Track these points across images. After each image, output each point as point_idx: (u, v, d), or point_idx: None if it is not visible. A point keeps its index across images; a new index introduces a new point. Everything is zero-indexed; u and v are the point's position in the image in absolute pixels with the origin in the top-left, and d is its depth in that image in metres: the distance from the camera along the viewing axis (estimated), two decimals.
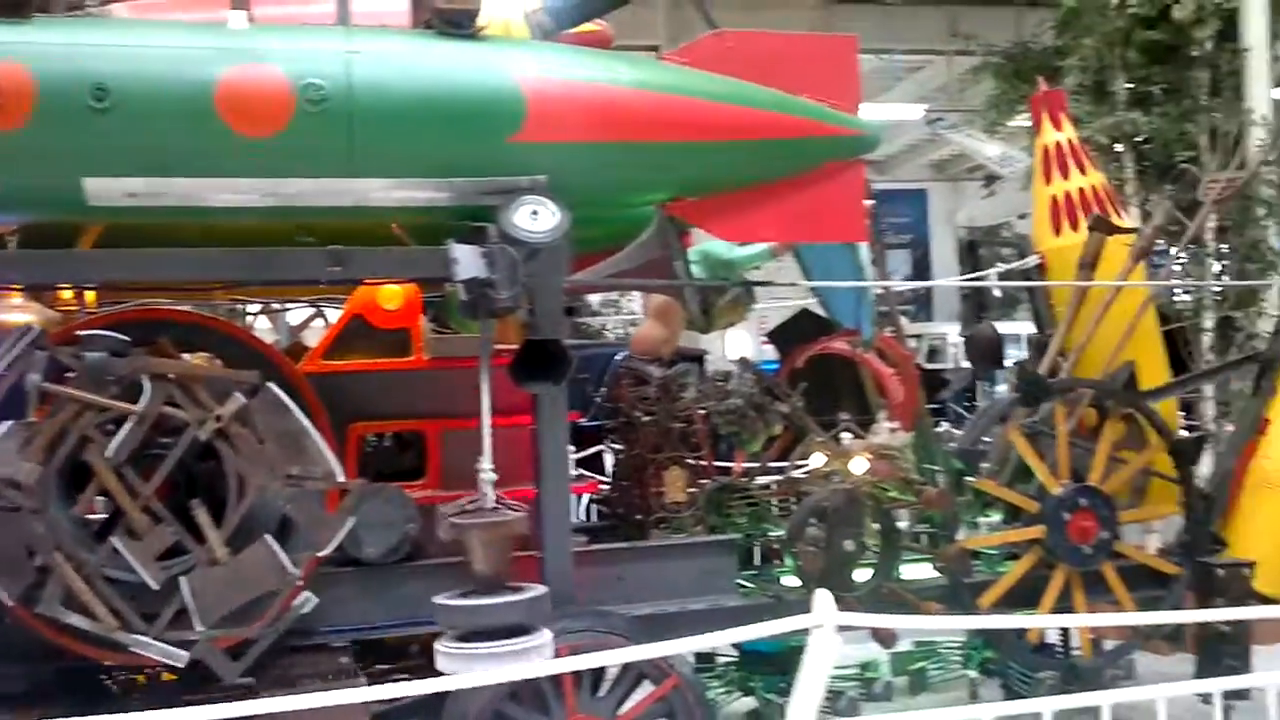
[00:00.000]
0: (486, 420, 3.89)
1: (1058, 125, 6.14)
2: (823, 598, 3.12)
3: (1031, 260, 6.23)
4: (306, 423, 3.92)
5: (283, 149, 3.78)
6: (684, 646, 3.88)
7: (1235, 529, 5.67)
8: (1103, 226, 5.67)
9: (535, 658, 3.72)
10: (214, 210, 3.98)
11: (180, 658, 3.72)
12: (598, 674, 4.28)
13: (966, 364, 14.17)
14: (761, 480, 5.90)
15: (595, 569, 4.68)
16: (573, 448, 7.61)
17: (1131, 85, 8.56)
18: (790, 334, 6.82)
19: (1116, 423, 5.23)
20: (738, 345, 12.05)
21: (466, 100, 3.98)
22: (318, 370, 4.61)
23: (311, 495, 3.96)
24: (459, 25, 4.07)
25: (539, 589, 3.95)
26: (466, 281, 3.58)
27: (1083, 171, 6.08)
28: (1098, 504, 5.10)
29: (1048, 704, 3.60)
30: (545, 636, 3.82)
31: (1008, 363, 8.80)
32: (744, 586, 5.16)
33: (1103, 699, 3.66)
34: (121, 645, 3.76)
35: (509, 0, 4.49)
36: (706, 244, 5.27)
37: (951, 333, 22.74)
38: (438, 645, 3.81)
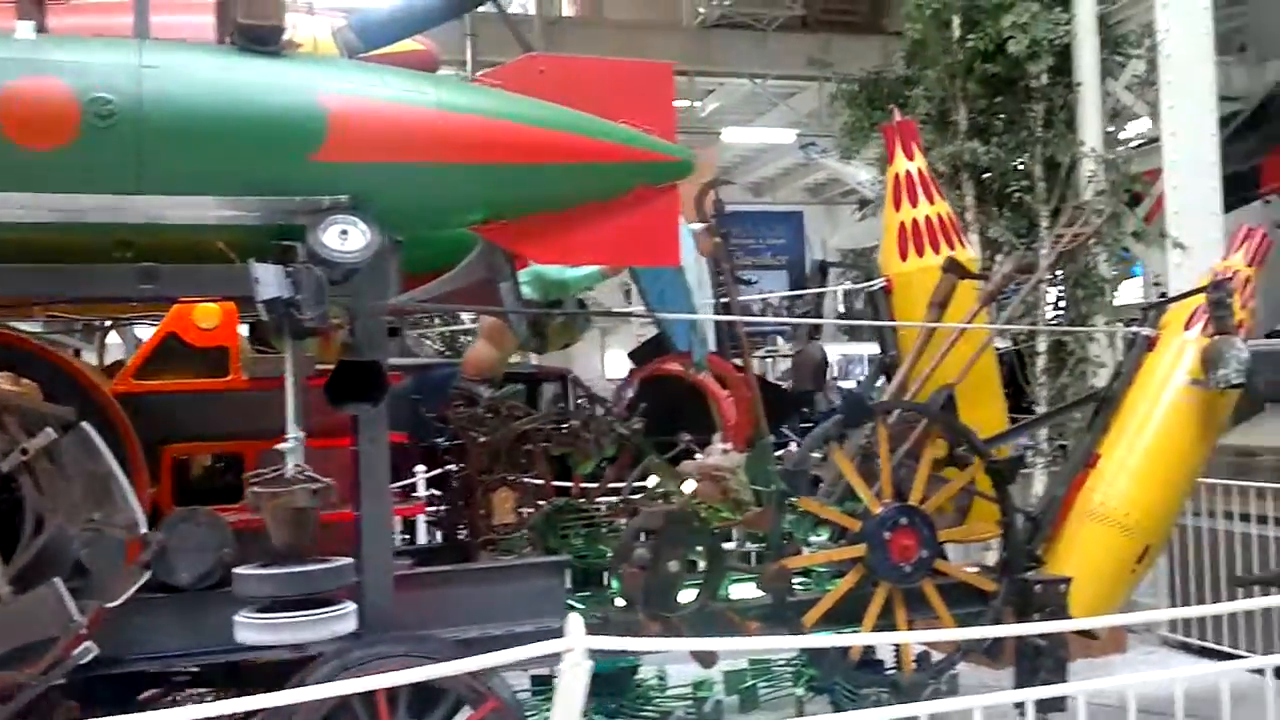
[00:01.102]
0: (292, 434, 3.85)
1: (909, 154, 6.44)
2: (574, 621, 3.15)
3: (878, 282, 6.47)
4: (116, 468, 3.85)
5: (67, 164, 3.71)
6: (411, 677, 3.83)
7: (1056, 554, 5.94)
8: (955, 270, 5.91)
9: (335, 628, 3.74)
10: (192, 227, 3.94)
11: None
12: (418, 700, 4.26)
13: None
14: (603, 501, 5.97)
15: (418, 592, 4.68)
16: (423, 467, 7.62)
17: (972, 116, 8.86)
18: (649, 353, 6.89)
19: (937, 443, 5.40)
20: (616, 364, 12.12)
21: (264, 118, 3.95)
22: (129, 390, 4.53)
23: (111, 543, 3.88)
24: (261, 41, 4.06)
25: (344, 560, 3.94)
26: (269, 302, 3.54)
27: (930, 200, 6.39)
28: (918, 523, 5.26)
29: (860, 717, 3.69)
30: (349, 608, 3.83)
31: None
32: (573, 608, 5.20)
33: (919, 709, 3.78)
34: None
35: (317, 17, 4.45)
36: (539, 265, 5.30)
37: (831, 353, 23.22)
38: (237, 617, 3.81)
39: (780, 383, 23.77)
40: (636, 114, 4.58)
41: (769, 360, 24.40)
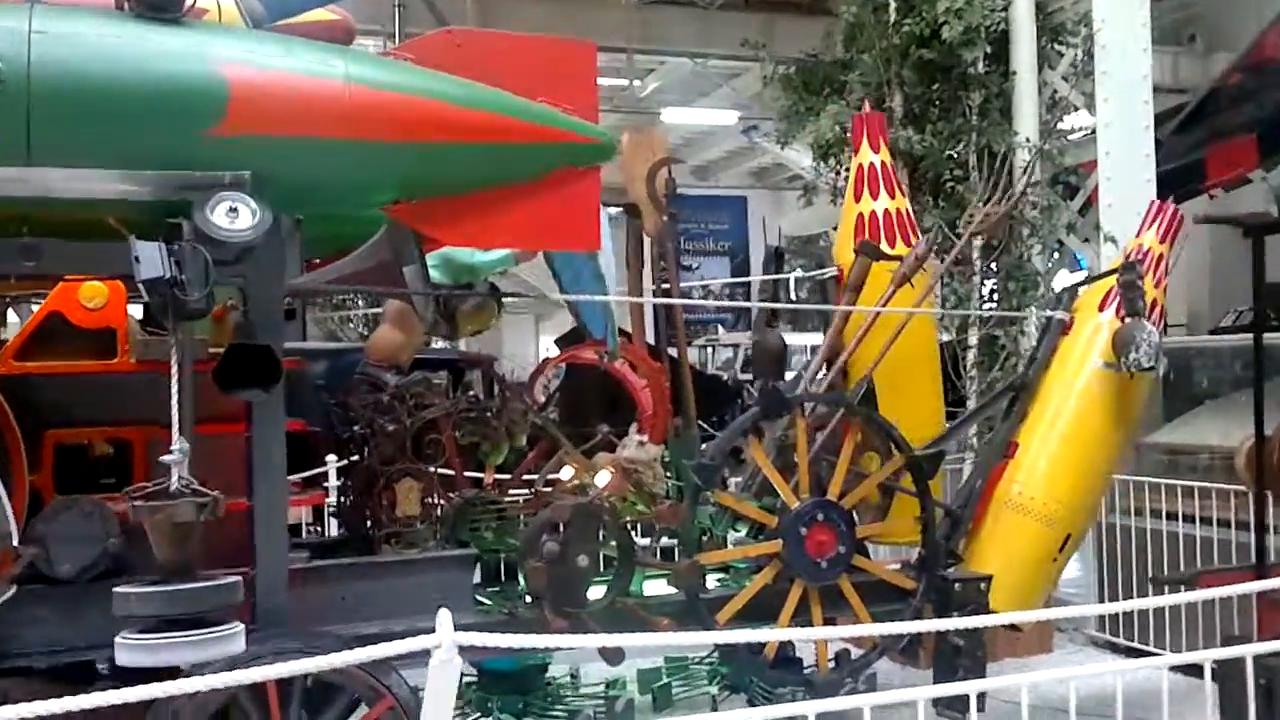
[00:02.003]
0: (178, 427, 3.83)
1: (875, 147, 6.51)
2: (443, 617, 3.18)
3: (830, 271, 6.60)
4: None
5: None
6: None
7: (975, 548, 6.06)
8: (869, 252, 5.98)
9: (221, 649, 3.72)
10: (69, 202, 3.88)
11: None
12: (314, 698, 4.26)
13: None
14: (516, 493, 5.98)
15: (316, 588, 4.69)
16: (334, 456, 7.58)
17: (908, 103, 8.97)
18: (576, 340, 6.90)
19: (856, 437, 5.48)
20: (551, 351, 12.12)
21: (161, 88, 3.91)
22: (9, 372, 4.46)
23: None
24: (160, 9, 4.01)
25: (231, 578, 3.92)
26: (150, 281, 3.51)
27: (891, 195, 6.48)
28: (835, 518, 5.33)
29: (748, 715, 3.74)
30: (237, 628, 3.82)
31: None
32: (482, 603, 5.23)
33: (807, 708, 3.82)
34: None
35: None
36: (448, 248, 5.31)
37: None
38: (118, 638, 3.77)
39: (720, 372, 23.96)
40: (558, 93, 4.59)
41: (708, 349, 24.52)
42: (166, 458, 3.89)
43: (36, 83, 3.71)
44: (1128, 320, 5.82)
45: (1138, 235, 6.46)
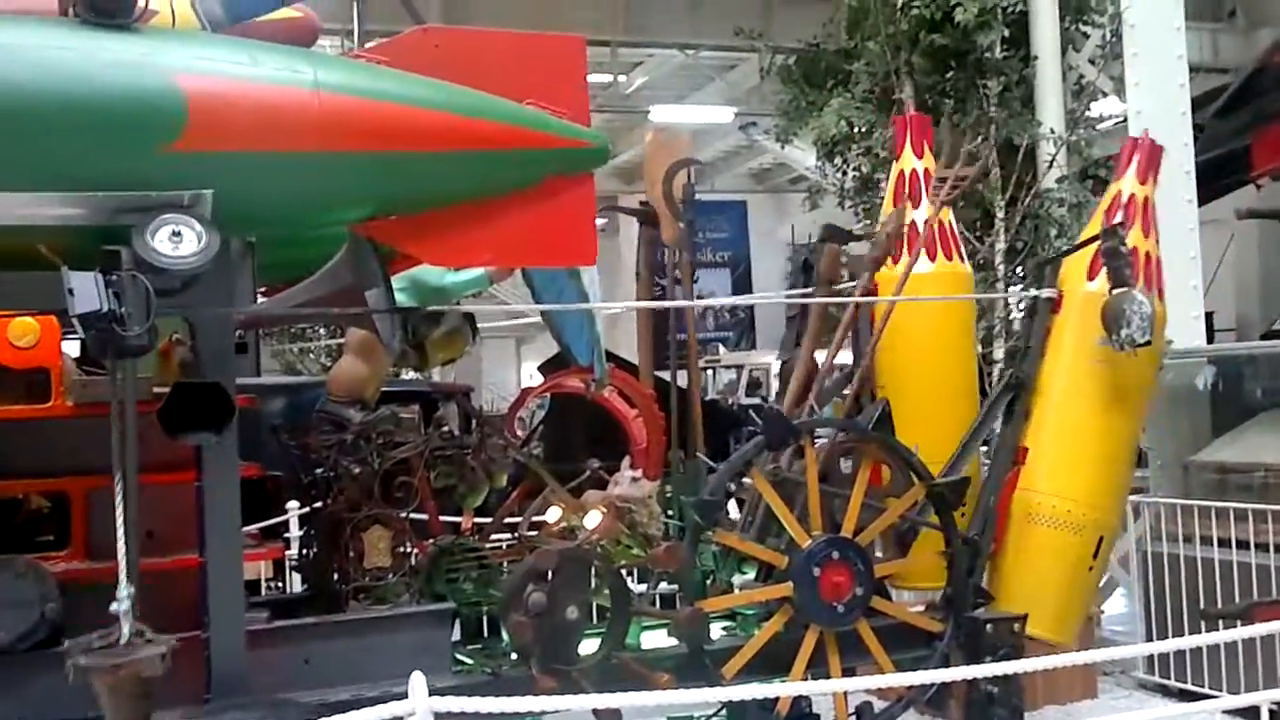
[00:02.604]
0: (122, 487, 3.84)
1: (919, 152, 6.46)
2: (416, 682, 3.19)
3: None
4: None
5: None
6: None
7: (1003, 572, 6.05)
8: (837, 237, 5.97)
9: None
10: None
11: None
12: None
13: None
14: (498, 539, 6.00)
15: (276, 650, 4.70)
16: (295, 503, 7.60)
17: (919, 94, 9.04)
18: (560, 367, 6.90)
19: (869, 466, 5.50)
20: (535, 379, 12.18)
21: (113, 102, 3.92)
22: None
23: None
24: (109, 14, 4.04)
25: None
26: (85, 316, 3.53)
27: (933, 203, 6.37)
28: (851, 557, 5.35)
29: None
30: None
31: None
32: (462, 663, 5.23)
33: None
34: None
35: None
36: (416, 270, 5.34)
37: (776, 363, 23.41)
38: None
39: (721, 397, 23.97)
40: (545, 94, 4.62)
41: (707, 372, 24.55)
42: (115, 606, 3.86)
43: None
44: (1115, 292, 5.68)
45: (1115, 182, 6.33)
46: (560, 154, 4.62)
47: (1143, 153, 6.34)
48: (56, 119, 3.87)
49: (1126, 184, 6.26)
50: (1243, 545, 7.95)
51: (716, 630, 5.71)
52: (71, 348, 5.26)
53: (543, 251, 4.84)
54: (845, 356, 6.40)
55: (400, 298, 5.28)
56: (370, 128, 4.28)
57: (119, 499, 3.98)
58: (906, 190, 6.41)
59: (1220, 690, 7.72)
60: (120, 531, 3.94)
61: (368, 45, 4.75)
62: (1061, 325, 6.13)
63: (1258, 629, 5.17)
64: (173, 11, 4.66)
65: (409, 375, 11.12)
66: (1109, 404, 6.00)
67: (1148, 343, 5.64)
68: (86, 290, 3.59)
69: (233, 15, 4.71)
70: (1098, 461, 6.04)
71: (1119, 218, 6.09)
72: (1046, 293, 6.16)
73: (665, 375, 6.47)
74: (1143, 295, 5.66)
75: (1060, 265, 6.30)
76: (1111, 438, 6.08)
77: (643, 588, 6.16)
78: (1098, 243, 5.95)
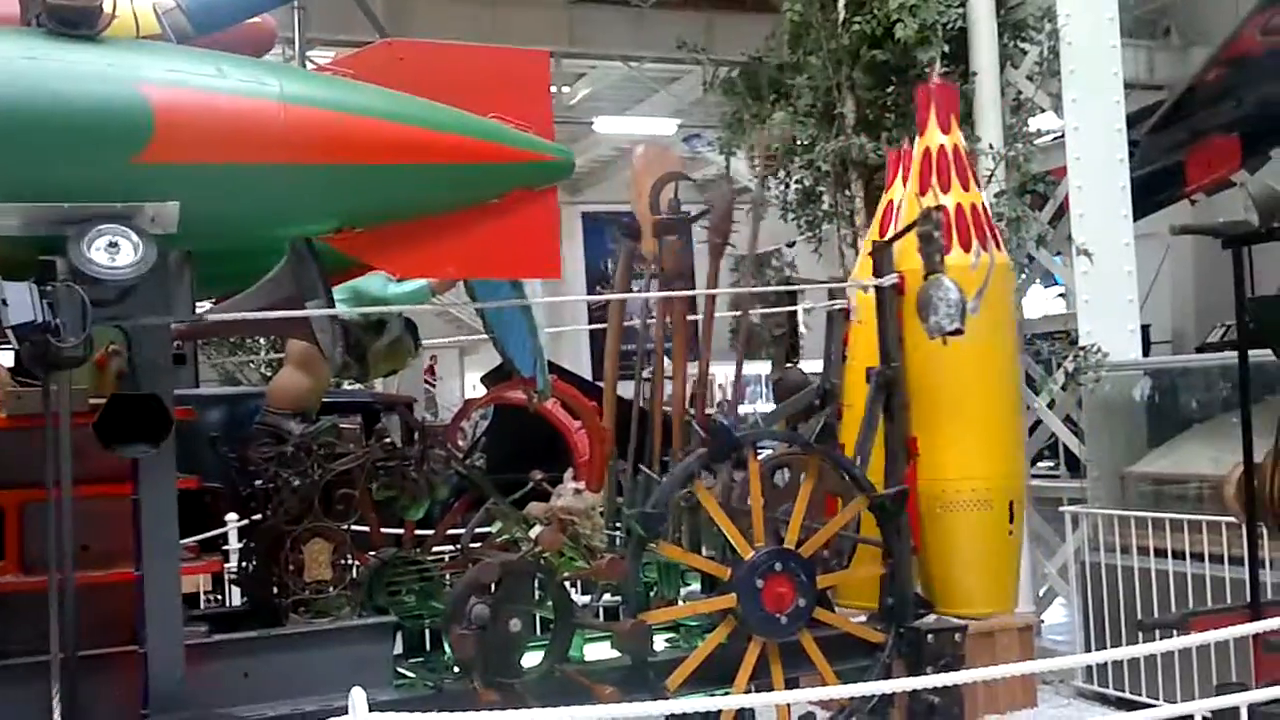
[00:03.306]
0: (63, 499, 3.79)
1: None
2: (356, 697, 3.18)
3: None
4: None
5: None
6: None
7: (929, 565, 6.12)
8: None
9: None
10: None
11: None
12: None
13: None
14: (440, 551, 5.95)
15: (215, 664, 4.65)
16: (233, 515, 7.52)
17: (860, 108, 9.11)
18: (503, 378, 6.87)
19: (813, 477, 5.53)
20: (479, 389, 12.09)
21: (77, 114, 3.93)
22: None
23: None
24: (74, 24, 4.04)
25: None
26: (19, 327, 3.49)
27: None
28: (795, 568, 5.37)
29: None
30: None
31: None
32: (404, 677, 5.20)
33: None
34: None
35: None
36: (357, 280, 5.32)
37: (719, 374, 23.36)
38: None
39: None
40: (509, 108, 4.68)
41: (649, 383, 24.53)
42: None
43: None
44: (927, 279, 5.56)
45: (920, 138, 6.21)
46: (525, 168, 4.68)
47: (938, 100, 6.14)
48: (27, 130, 3.87)
49: (933, 137, 6.09)
50: (1179, 555, 8.06)
51: (660, 642, 5.72)
52: (4, 358, 5.18)
53: (507, 264, 4.91)
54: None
55: (341, 308, 5.26)
56: (337, 141, 4.33)
57: (50, 433, 3.95)
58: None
59: (1157, 698, 7.84)
60: (51, 454, 3.92)
61: (334, 58, 4.75)
62: (910, 309, 5.90)
63: (1194, 639, 5.26)
64: (136, 22, 4.62)
65: (351, 385, 11.04)
66: (978, 373, 6.01)
67: (956, 331, 5.48)
68: (21, 301, 3.56)
69: (198, 28, 4.68)
70: (986, 432, 6.09)
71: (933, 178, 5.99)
72: (888, 280, 5.89)
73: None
74: (951, 282, 5.49)
75: (893, 250, 5.99)
76: (991, 404, 6.12)
77: (586, 599, 6.18)
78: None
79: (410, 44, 4.73)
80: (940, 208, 5.86)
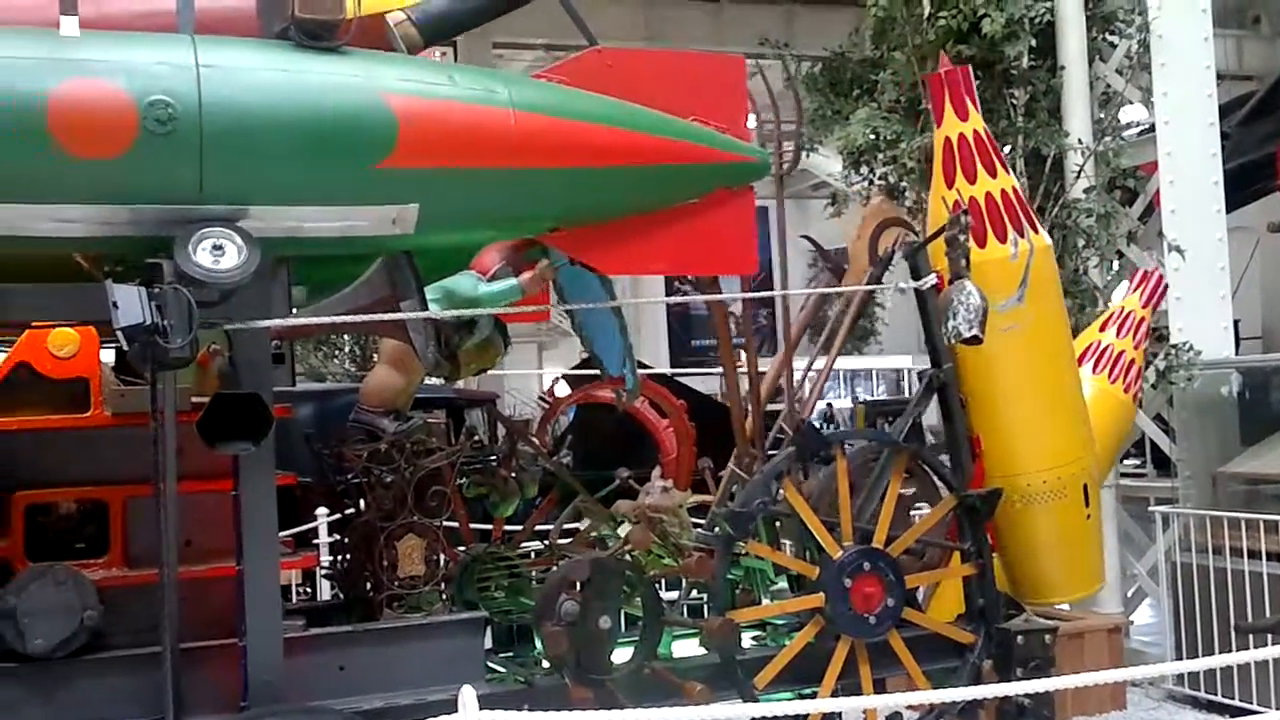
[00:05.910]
0: (169, 493, 3.88)
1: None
2: (466, 695, 3.21)
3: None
4: None
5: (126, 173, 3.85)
6: None
7: (1012, 560, 6.06)
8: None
9: None
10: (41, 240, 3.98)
11: None
12: None
13: None
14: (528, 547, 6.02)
15: (312, 657, 4.72)
16: (324, 509, 7.63)
17: None
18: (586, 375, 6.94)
19: (900, 477, 5.50)
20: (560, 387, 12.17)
21: (331, 122, 4.11)
22: None
23: None
24: (318, 37, 4.20)
25: None
26: (129, 328, 3.57)
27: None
28: (883, 567, 5.35)
29: None
30: None
31: None
32: (495, 671, 5.26)
33: None
34: None
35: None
36: (448, 280, 5.37)
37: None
38: None
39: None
40: (708, 110, 4.87)
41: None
42: None
43: (210, 120, 3.90)
44: (951, 284, 5.40)
45: (938, 129, 5.88)
46: (725, 168, 4.88)
47: (950, 86, 5.79)
48: (286, 139, 4.06)
49: (951, 126, 5.77)
50: (1273, 557, 7.92)
51: (748, 640, 5.72)
52: (108, 356, 5.30)
53: (708, 260, 5.15)
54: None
55: (432, 308, 5.31)
56: (560, 145, 4.52)
57: (156, 431, 4.05)
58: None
59: (1251, 700, 7.70)
60: (157, 451, 4.02)
61: (546, 68, 4.92)
62: None
63: None
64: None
65: (434, 381, 11.16)
66: (1032, 361, 5.90)
67: (974, 339, 5.33)
68: (130, 303, 3.64)
69: (430, 38, 4.85)
70: (1050, 419, 5.97)
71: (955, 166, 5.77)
72: (928, 281, 5.67)
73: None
74: (974, 287, 5.32)
75: (926, 252, 5.77)
76: (1050, 390, 6.00)
77: (674, 596, 6.20)
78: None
79: (617, 51, 4.90)
80: (967, 210, 5.61)
